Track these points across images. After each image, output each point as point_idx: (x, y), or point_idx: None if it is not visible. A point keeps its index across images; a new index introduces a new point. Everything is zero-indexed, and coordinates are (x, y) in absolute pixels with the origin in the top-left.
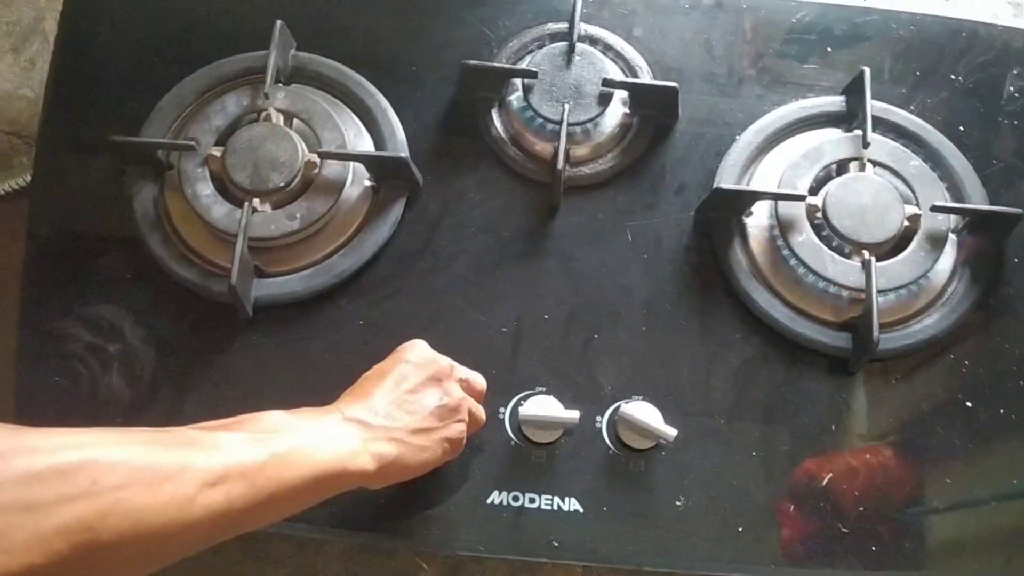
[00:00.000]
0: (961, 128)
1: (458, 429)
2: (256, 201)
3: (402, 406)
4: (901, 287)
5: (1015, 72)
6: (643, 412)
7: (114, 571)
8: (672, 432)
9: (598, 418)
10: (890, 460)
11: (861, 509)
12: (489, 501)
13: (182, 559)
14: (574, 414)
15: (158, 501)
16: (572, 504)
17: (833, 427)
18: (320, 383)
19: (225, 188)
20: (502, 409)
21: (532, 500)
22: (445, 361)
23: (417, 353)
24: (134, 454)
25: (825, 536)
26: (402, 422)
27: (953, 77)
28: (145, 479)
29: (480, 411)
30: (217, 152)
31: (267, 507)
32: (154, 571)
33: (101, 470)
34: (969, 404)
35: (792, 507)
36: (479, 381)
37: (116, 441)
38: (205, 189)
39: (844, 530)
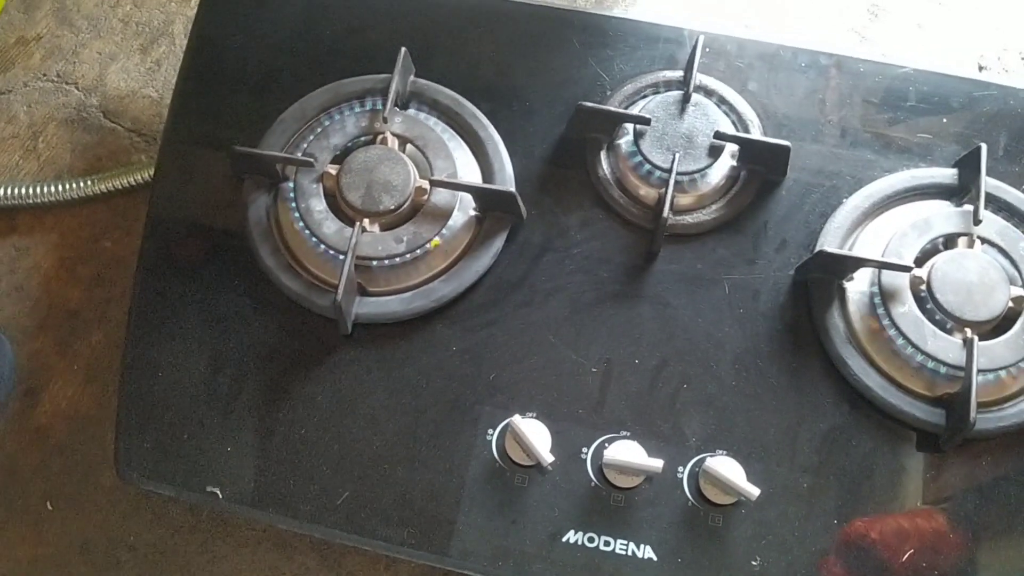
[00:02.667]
0: None
1: None
2: (366, 221)
3: None
4: (1000, 368)
5: None
6: (727, 468)
7: None
8: (755, 491)
9: (680, 468)
10: (964, 538)
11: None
12: (564, 539)
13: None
14: (658, 462)
15: None
16: (647, 552)
17: (919, 503)
18: (411, 404)
19: (337, 206)
20: (585, 449)
21: (607, 543)
22: None
23: None
24: None
25: None
26: None
27: None
28: None
29: None
30: (332, 170)
31: None
32: None
33: None
34: None
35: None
36: None
37: None
38: (318, 205)
39: None
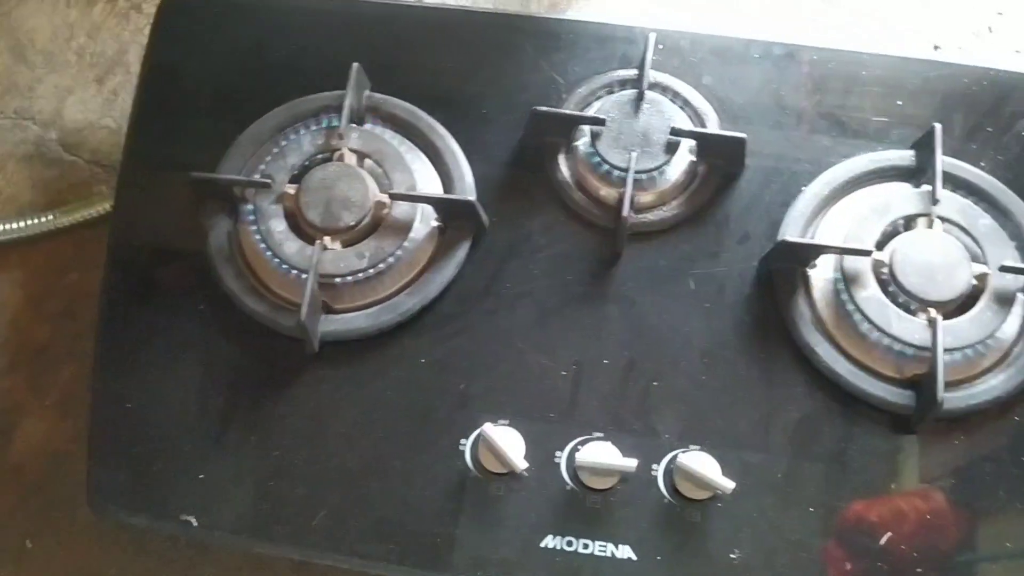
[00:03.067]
0: None
1: None
2: (327, 239)
3: None
4: (967, 347)
5: None
6: (701, 463)
7: None
8: (730, 485)
9: (654, 466)
10: (946, 518)
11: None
12: (543, 545)
13: None
14: (632, 462)
15: None
16: (626, 552)
17: (893, 485)
18: (382, 419)
19: (297, 225)
20: (559, 453)
21: (586, 546)
22: None
23: None
24: None
25: None
26: None
27: None
28: None
29: None
30: (291, 189)
31: None
32: None
33: None
34: None
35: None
36: None
37: None
38: (278, 225)
39: None
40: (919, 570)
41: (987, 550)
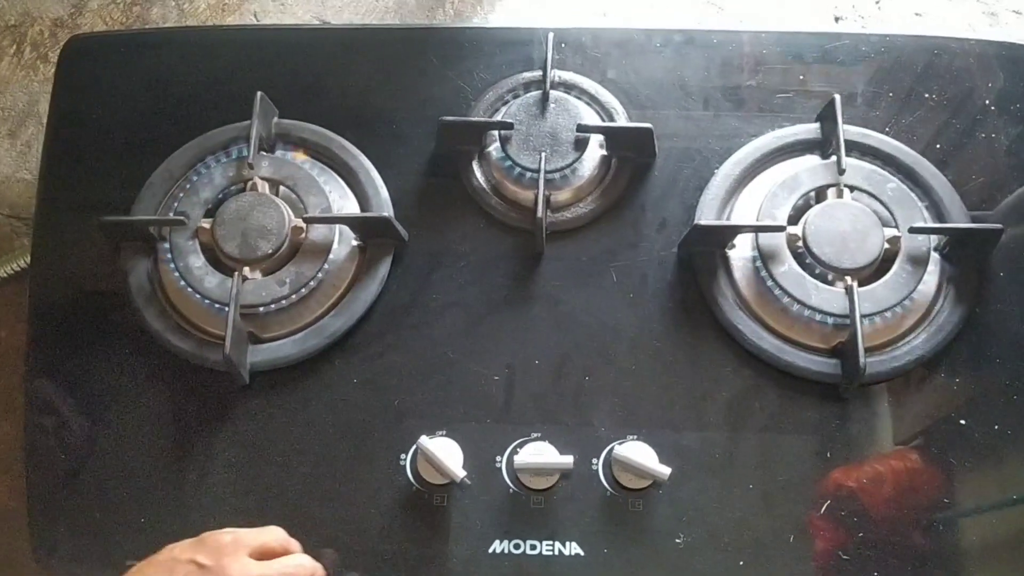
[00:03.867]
0: (938, 146)
1: None
2: (246, 269)
3: None
4: (885, 310)
5: (990, 85)
6: (637, 452)
7: None
8: (666, 471)
9: (594, 460)
10: (888, 483)
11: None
12: (491, 551)
13: None
14: (568, 459)
15: None
16: (573, 548)
17: (828, 454)
18: (320, 442)
19: (216, 258)
20: (499, 458)
21: (533, 547)
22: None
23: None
24: None
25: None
26: None
27: (927, 95)
28: None
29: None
30: (206, 224)
31: None
32: None
33: None
34: (963, 422)
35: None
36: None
37: None
38: (196, 261)
39: (845, 557)
40: (860, 534)
41: (926, 507)
